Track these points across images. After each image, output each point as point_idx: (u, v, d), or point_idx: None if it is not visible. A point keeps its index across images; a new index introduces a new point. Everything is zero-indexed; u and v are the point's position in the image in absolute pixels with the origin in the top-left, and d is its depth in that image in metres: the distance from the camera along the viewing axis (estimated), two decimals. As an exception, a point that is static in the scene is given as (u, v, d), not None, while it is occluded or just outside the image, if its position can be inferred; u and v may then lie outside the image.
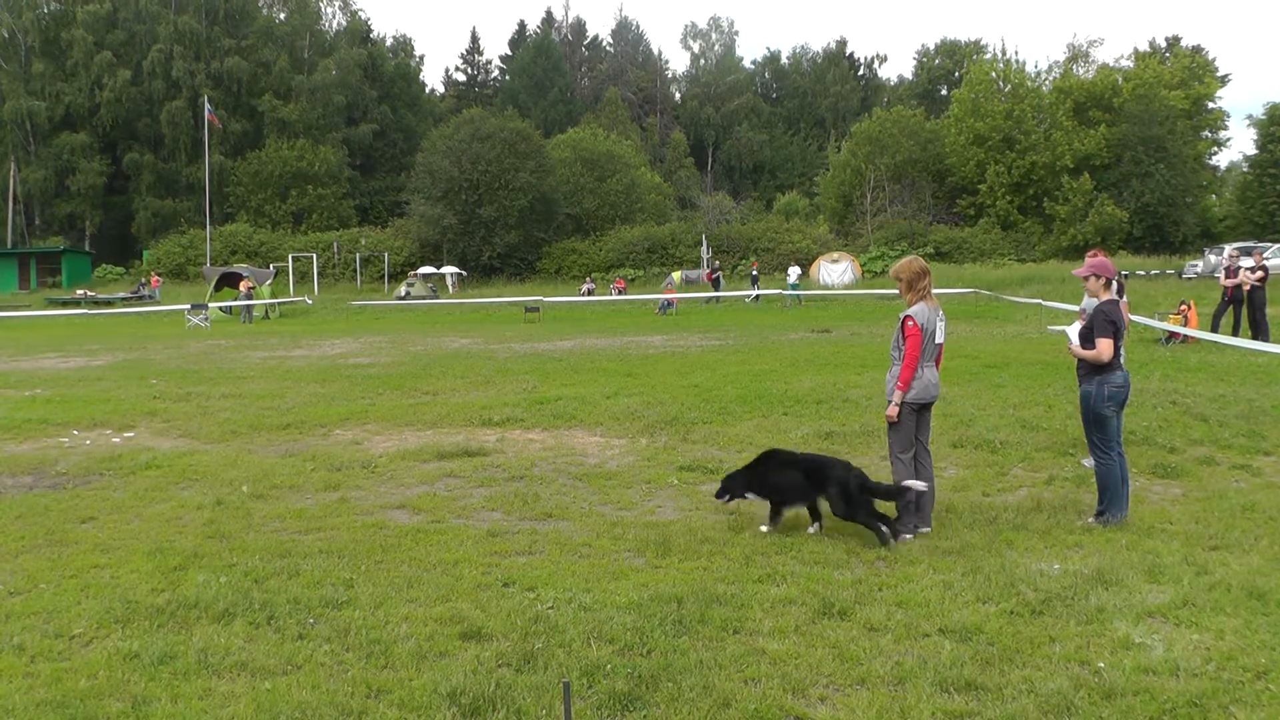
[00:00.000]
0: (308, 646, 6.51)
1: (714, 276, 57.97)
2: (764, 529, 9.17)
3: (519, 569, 8.05)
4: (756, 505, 9.71)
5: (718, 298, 54.34)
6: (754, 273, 57.38)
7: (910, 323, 8.96)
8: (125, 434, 14.96)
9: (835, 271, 63.90)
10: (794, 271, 55.36)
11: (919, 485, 8.83)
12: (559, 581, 7.70)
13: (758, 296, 53.51)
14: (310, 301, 58.49)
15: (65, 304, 63.60)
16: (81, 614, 7.19)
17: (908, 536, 8.86)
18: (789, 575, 7.81)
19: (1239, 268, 26.34)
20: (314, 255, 74.93)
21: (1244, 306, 26.14)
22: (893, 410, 9.01)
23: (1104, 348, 9.01)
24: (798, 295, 52.39)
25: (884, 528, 8.75)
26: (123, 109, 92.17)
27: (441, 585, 7.66)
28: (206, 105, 78.48)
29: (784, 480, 9.15)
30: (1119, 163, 73.00)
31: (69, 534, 9.34)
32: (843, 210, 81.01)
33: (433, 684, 5.90)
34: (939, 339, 9.08)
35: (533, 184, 75.98)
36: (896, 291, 9.57)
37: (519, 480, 11.31)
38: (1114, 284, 9.40)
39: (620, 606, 7.10)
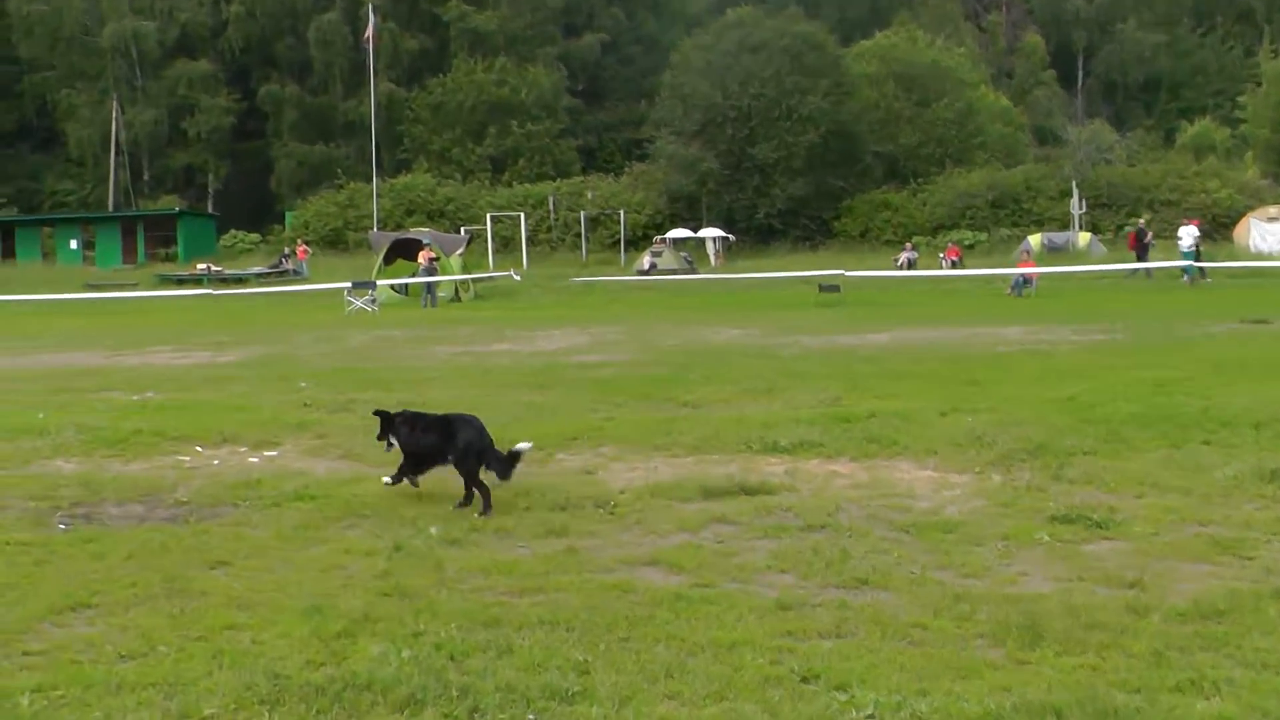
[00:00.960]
0: (529, 752, 6.50)
1: (1145, 241, 56.31)
2: (385, 481, 12.76)
3: (822, 658, 7.90)
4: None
5: (1148, 270, 53.10)
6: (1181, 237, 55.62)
7: None
8: (266, 452, 15.46)
9: (1273, 234, 61.69)
10: (1187, 234, 53.08)
11: (525, 446, 12.46)
12: (880, 679, 7.52)
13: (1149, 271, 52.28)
14: (517, 277, 59.82)
15: (182, 282, 66.95)
16: (214, 689, 7.36)
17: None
18: (1222, 682, 7.41)
19: None
20: (521, 215, 76.66)
21: None
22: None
23: None
24: (1200, 268, 50.79)
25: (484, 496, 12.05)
26: (256, 27, 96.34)
27: (713, 676, 7.56)
28: (370, 16, 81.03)
29: (423, 441, 12.44)
30: None
31: (195, 582, 9.66)
32: (1283, 145, 78.20)
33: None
34: None
35: (827, 112, 75.98)
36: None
37: (819, 530, 11.22)
38: None
39: (971, 719, 6.90)
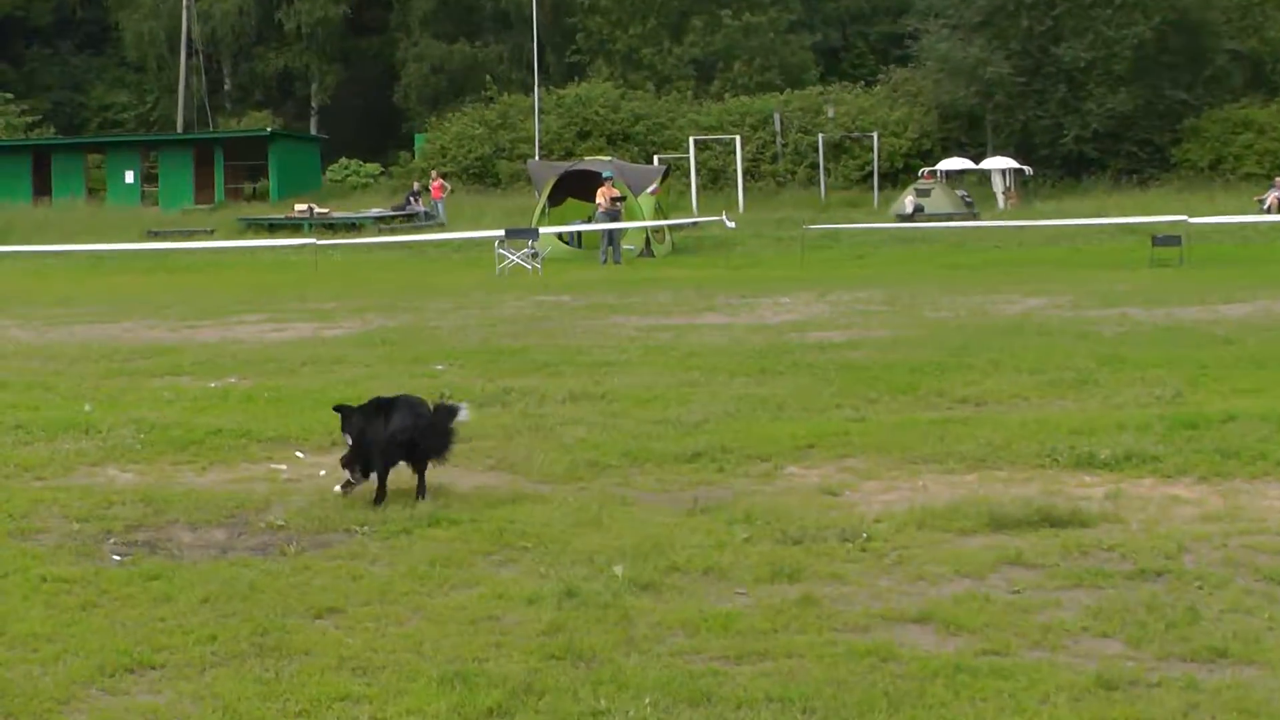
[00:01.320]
0: None
1: None
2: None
3: (1162, 759, 7.77)
4: None
5: None
6: None
7: None
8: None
9: None
10: None
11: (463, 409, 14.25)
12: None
13: None
14: (732, 224, 59.78)
15: (276, 229, 67.67)
16: (322, 787, 7.42)
17: None
18: None
19: None
20: (736, 139, 76.61)
21: None
22: None
23: None
24: None
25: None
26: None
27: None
28: None
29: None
30: None
31: (294, 637, 9.76)
32: None
33: None
34: None
35: (1166, -2, 75.17)
36: None
37: (1155, 579, 11.10)
38: None
39: None
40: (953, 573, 11.27)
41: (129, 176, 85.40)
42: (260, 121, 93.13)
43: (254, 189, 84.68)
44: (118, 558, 11.87)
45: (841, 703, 8.46)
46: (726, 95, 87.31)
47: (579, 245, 52.18)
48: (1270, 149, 74.04)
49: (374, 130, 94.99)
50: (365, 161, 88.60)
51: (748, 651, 9.44)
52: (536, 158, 75.29)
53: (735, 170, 74.48)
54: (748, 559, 11.58)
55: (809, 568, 11.36)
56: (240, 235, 64.94)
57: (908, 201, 64.67)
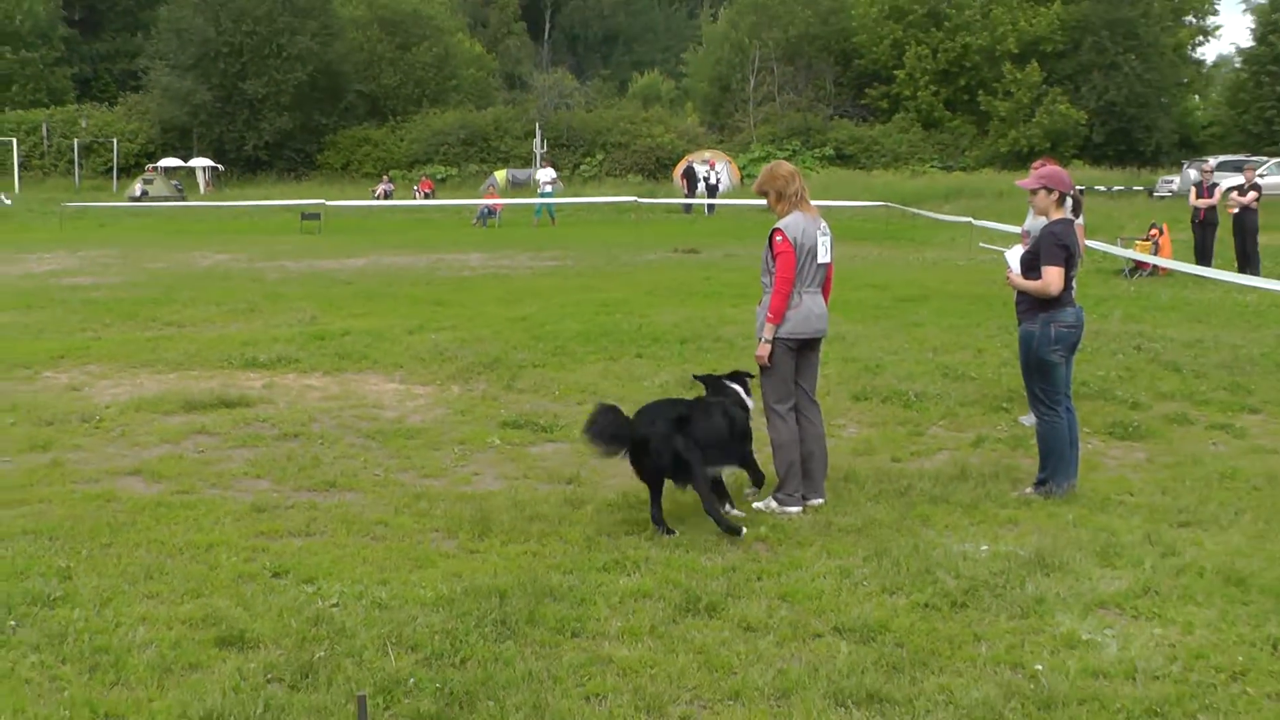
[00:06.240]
0: (9, 656, 6.37)
1: (711, 182, 61.40)
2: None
3: (293, 555, 8.02)
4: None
5: (709, 206, 55.41)
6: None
7: (779, 237, 9.11)
8: None
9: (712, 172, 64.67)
10: (545, 175, 51.98)
11: None
12: (345, 571, 7.69)
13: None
14: (8, 201, 57.06)
15: None
16: None
17: (792, 510, 9.07)
18: (643, 562, 7.90)
19: (1214, 185, 27.50)
20: (14, 141, 72.88)
21: (1215, 231, 27.17)
22: (763, 349, 9.22)
23: (1052, 277, 9.20)
24: (549, 207, 50.81)
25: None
26: None
27: (191, 576, 7.58)
28: None
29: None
30: (1077, 50, 73.87)
31: None
32: (719, 97, 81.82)
33: (180, 705, 5.81)
34: (823, 258, 9.22)
35: (314, 52, 75.17)
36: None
37: (293, 439, 11.30)
38: (1068, 200, 9.57)
39: (425, 604, 7.11)
40: (158, 441, 11.22)
41: None
42: None
43: None
44: None
45: (77, 531, 8.42)
46: (8, 108, 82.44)
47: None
48: (382, 157, 74.72)
49: None
50: None
51: (12, 500, 9.25)
52: None
53: (13, 163, 70.59)
54: (13, 438, 11.23)
55: (57, 441, 11.12)
56: None
57: (138, 187, 62.59)
